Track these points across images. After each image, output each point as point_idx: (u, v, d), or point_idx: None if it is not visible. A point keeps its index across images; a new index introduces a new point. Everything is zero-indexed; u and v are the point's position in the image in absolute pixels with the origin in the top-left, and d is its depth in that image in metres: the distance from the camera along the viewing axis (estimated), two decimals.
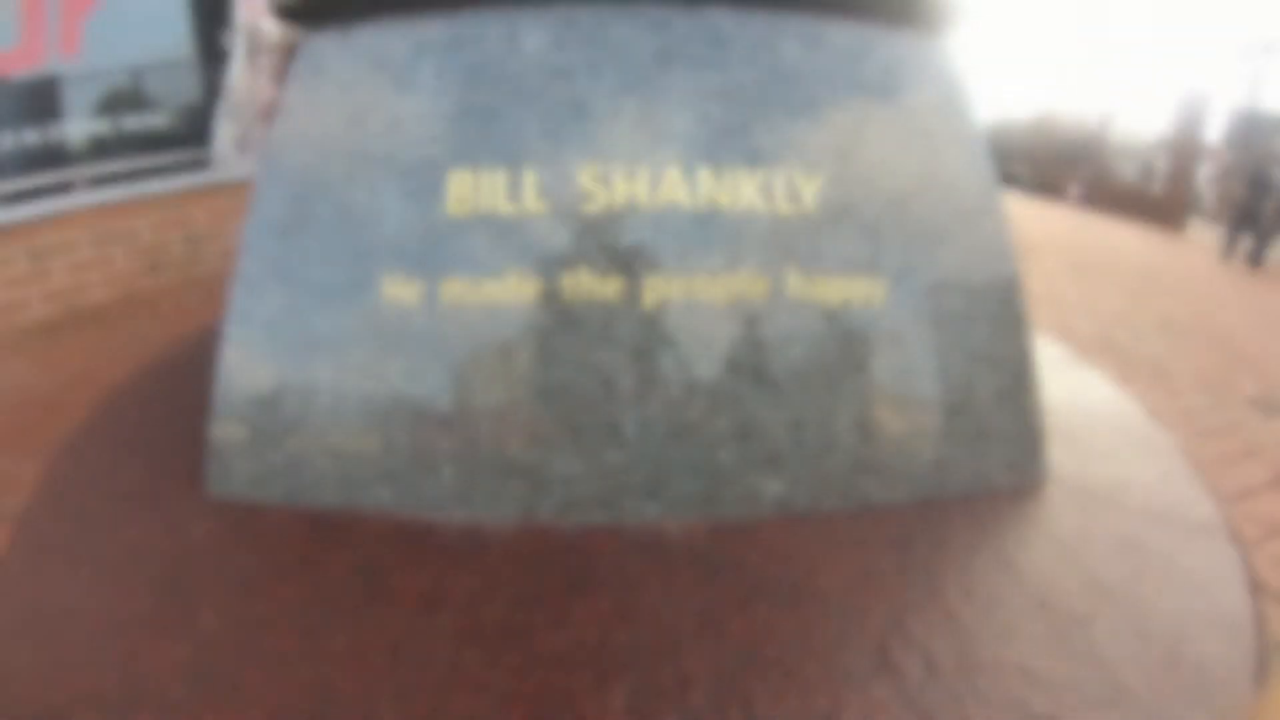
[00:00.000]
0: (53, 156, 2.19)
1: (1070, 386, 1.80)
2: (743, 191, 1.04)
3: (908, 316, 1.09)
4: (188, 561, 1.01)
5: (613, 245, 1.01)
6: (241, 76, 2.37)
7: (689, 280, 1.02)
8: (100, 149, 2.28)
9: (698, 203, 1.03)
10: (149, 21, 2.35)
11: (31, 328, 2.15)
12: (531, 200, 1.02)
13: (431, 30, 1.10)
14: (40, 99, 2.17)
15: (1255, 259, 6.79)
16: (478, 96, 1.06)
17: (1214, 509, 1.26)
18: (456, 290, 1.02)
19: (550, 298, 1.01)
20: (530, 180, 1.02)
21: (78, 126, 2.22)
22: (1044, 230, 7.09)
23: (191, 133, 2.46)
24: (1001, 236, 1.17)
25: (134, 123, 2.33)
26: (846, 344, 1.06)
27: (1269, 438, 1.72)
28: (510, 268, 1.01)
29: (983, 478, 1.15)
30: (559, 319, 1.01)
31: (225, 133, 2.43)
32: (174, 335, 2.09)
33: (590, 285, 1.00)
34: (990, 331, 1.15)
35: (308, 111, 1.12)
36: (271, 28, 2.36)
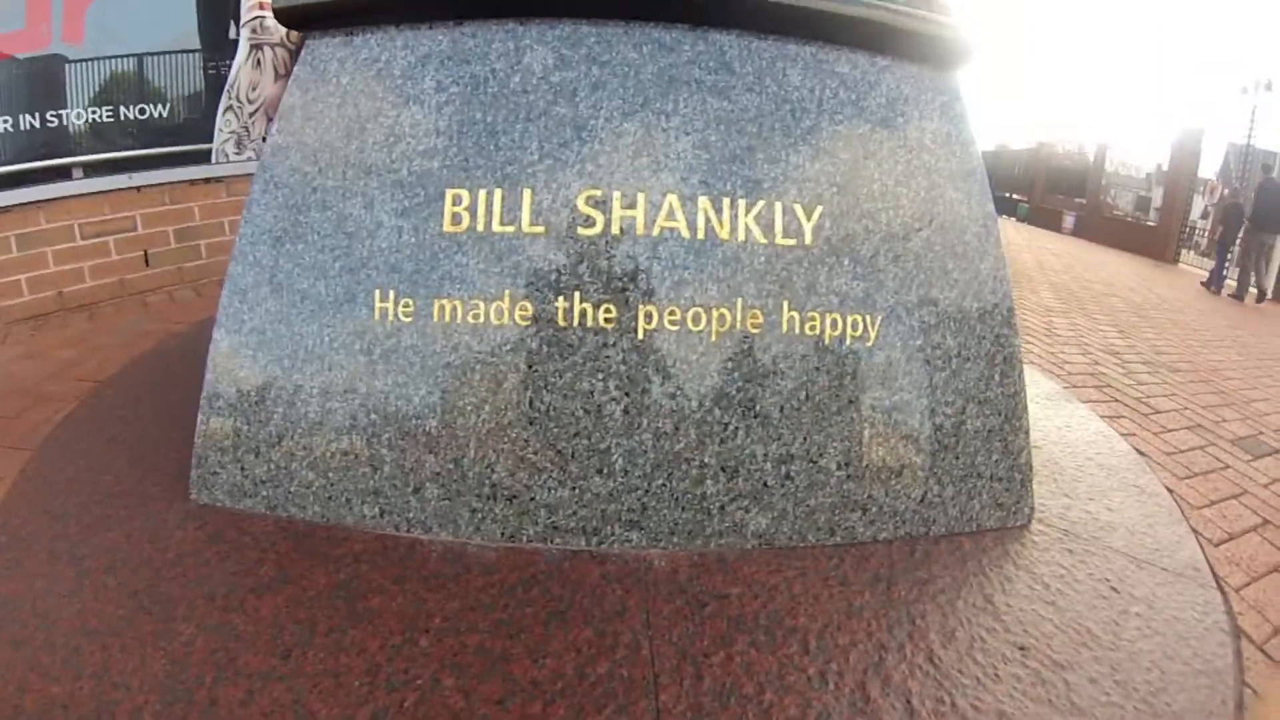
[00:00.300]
0: (51, 142, 2.17)
1: (1060, 423, 1.80)
2: (741, 222, 1.03)
3: (900, 353, 1.09)
4: (168, 569, 1.00)
5: (608, 272, 1.01)
6: (244, 71, 2.35)
7: (683, 310, 1.01)
8: (99, 137, 2.26)
9: (695, 232, 1.02)
10: (154, 10, 2.33)
11: (20, 314, 2.14)
12: (528, 222, 1.01)
13: (435, 41, 1.09)
14: (42, 83, 2.14)
15: (1237, 294, 7.09)
16: (478, 112, 1.05)
17: (1198, 553, 1.26)
18: (449, 310, 1.01)
19: (543, 322, 1.00)
20: (527, 201, 1.01)
21: (77, 113, 2.20)
22: (1038, 260, 7.14)
23: (192, 125, 2.44)
24: (998, 275, 1.17)
25: (134, 112, 2.30)
26: (838, 379, 1.06)
27: (1254, 480, 1.73)
28: (504, 290, 1.00)
29: (969, 516, 1.15)
30: (551, 344, 1.01)
31: (226, 127, 2.41)
32: (164, 329, 2.08)
33: (584, 311, 1.00)
34: (983, 370, 1.15)
35: (307, 118, 1.11)
36: (276, 22, 2.34)
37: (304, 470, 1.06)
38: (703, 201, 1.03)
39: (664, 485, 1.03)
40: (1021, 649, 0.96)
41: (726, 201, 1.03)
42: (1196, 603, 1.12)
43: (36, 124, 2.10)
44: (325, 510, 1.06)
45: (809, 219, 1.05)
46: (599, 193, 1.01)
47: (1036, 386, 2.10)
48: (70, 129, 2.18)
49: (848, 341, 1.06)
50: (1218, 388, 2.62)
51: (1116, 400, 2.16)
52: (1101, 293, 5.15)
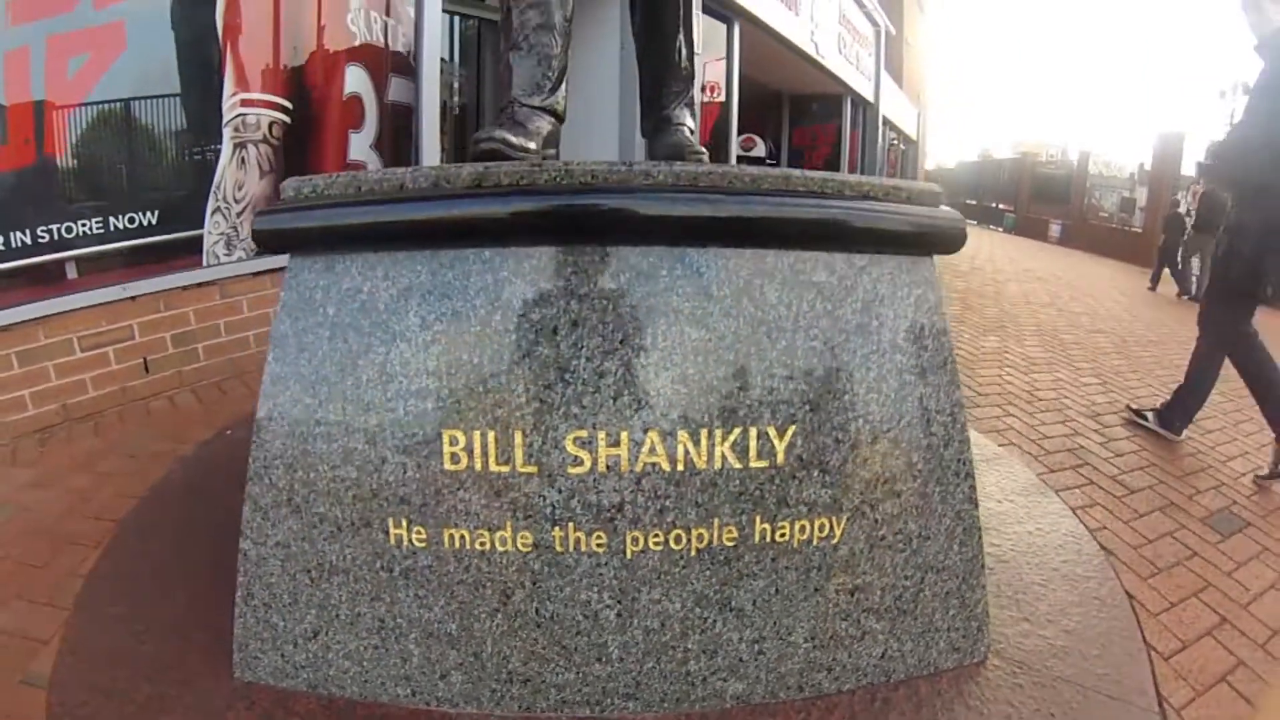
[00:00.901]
0: (41, 255, 2.16)
1: (1031, 527, 1.86)
2: (718, 451, 1.10)
3: (864, 544, 1.20)
4: None
5: (597, 505, 1.10)
6: (229, 171, 2.28)
7: (665, 533, 1.12)
8: (90, 246, 2.24)
9: (675, 464, 1.10)
10: (139, 117, 2.23)
11: (27, 429, 2.19)
12: (521, 462, 1.09)
13: (414, 273, 1.11)
14: (27, 197, 2.11)
15: (1185, 294, 7.45)
16: (464, 353, 1.10)
17: (1146, 673, 1.37)
18: (458, 538, 1.11)
19: (543, 549, 1.11)
20: (519, 443, 1.09)
21: (66, 225, 2.17)
22: (1023, 292, 6.93)
23: (181, 230, 2.40)
24: (961, 458, 1.24)
25: (124, 220, 2.27)
26: (805, 574, 1.18)
27: (1219, 568, 1.76)
28: (505, 521, 1.10)
29: (927, 663, 1.31)
30: (551, 565, 1.12)
31: (215, 229, 2.37)
32: (170, 450, 2.11)
33: (578, 540, 1.10)
34: (943, 544, 1.26)
35: (300, 349, 1.15)
36: (258, 119, 2.22)
37: (340, 659, 1.21)
38: (682, 435, 1.10)
39: (654, 667, 1.18)
40: None
41: (704, 433, 1.10)
42: None
43: (27, 239, 2.08)
44: (363, 690, 1.22)
45: (782, 440, 1.12)
46: (585, 433, 1.08)
47: (1013, 479, 2.14)
48: (60, 241, 2.16)
49: (815, 543, 1.17)
50: (1195, 446, 2.63)
51: (1091, 483, 2.18)
52: (1087, 329, 5.09)
